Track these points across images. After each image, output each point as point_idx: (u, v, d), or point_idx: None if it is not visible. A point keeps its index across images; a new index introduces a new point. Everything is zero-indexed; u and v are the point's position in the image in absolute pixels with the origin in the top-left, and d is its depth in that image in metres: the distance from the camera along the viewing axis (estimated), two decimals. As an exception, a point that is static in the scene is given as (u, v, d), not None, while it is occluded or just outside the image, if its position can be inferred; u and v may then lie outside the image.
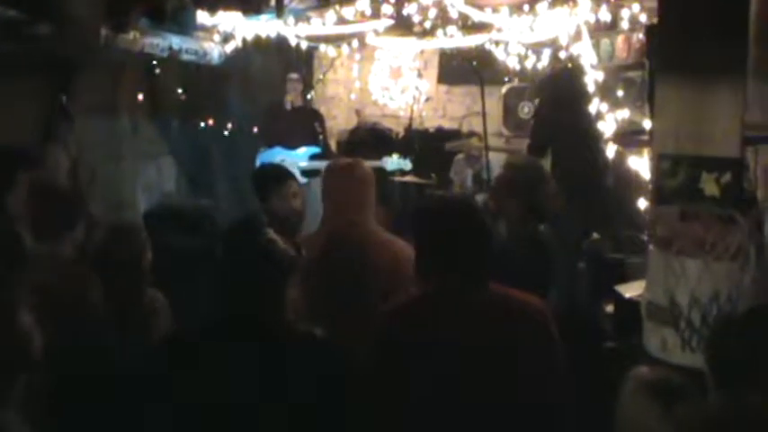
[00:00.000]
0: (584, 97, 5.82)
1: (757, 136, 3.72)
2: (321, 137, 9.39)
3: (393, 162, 9.27)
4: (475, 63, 8.51)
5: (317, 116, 9.66)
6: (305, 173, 8.91)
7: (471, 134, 9.85)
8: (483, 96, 7.98)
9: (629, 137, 5.45)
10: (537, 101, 7.47)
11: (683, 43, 3.65)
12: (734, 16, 3.58)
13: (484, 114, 8.28)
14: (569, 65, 6.61)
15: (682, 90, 3.63)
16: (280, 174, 5.74)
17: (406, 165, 9.30)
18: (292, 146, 9.13)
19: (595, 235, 5.74)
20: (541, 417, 3.03)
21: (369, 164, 9.03)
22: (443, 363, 2.99)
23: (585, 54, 5.98)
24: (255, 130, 9.36)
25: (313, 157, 9.11)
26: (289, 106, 9.37)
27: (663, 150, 3.76)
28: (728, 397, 2.62)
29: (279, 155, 8.96)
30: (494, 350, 3.00)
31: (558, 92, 6.09)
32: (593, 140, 5.74)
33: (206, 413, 3.00)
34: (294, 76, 9.46)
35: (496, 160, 9.36)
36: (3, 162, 3.96)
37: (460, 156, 9.44)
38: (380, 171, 9.18)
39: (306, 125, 9.37)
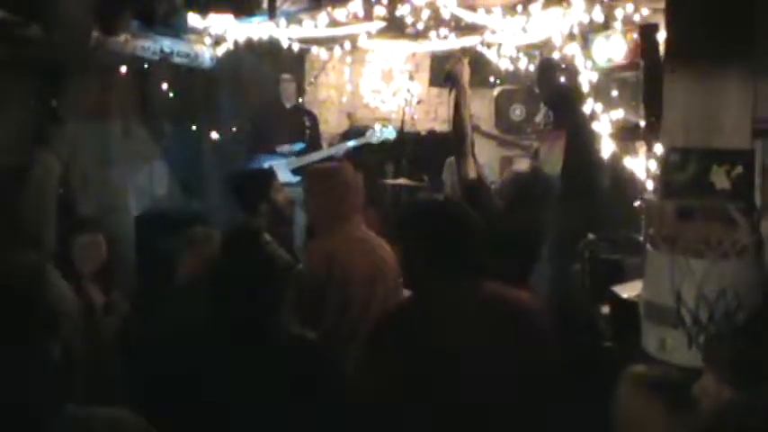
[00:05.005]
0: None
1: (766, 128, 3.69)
2: (308, 131, 9.39)
3: (377, 133, 9.29)
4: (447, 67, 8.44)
5: (308, 115, 9.68)
6: (295, 171, 8.94)
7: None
8: (449, 98, 7.88)
9: (626, 132, 5.43)
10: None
11: (691, 35, 3.64)
12: (742, 7, 3.57)
13: (455, 117, 8.12)
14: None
15: (691, 82, 3.62)
16: (268, 172, 5.91)
17: (391, 133, 9.31)
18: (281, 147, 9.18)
19: (591, 235, 5.72)
20: (533, 417, 3.01)
21: (353, 143, 9.15)
22: (434, 366, 2.98)
23: (579, 55, 5.97)
24: (246, 133, 9.35)
25: (300, 153, 9.14)
26: (289, 105, 9.42)
27: (672, 143, 3.74)
28: (738, 395, 2.61)
29: (266, 161, 8.97)
30: (485, 352, 2.99)
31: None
32: (593, 140, 5.72)
33: (203, 412, 3.01)
34: (286, 76, 9.47)
35: (489, 161, 9.38)
36: None
37: (452, 158, 9.41)
38: (370, 173, 9.17)
39: (299, 125, 9.39)
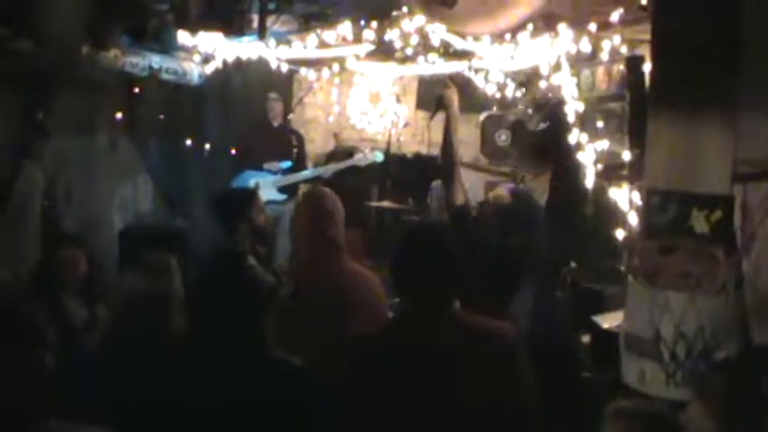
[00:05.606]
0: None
1: (747, 173, 3.73)
2: (295, 150, 9.40)
3: (365, 158, 9.32)
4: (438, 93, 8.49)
5: (294, 134, 9.70)
6: (281, 189, 8.96)
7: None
8: (430, 122, 7.90)
9: (611, 170, 5.46)
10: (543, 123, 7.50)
11: (675, 79, 3.68)
12: (726, 52, 3.61)
13: (444, 143, 8.20)
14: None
15: (673, 125, 3.65)
16: (249, 192, 5.97)
17: (378, 157, 9.33)
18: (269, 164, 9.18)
19: (573, 264, 5.74)
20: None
21: (341, 165, 9.20)
22: (404, 392, 3.00)
23: (566, 85, 6.01)
24: (234, 151, 9.36)
25: (286, 172, 9.15)
26: (276, 123, 9.44)
27: (653, 185, 3.77)
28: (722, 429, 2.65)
29: (252, 178, 8.97)
30: (457, 379, 3.02)
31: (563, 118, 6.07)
32: (578, 169, 5.75)
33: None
34: (274, 95, 9.48)
35: (473, 186, 9.40)
36: None
37: (438, 181, 9.42)
38: (355, 194, 9.19)
39: (286, 144, 9.40)
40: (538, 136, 7.34)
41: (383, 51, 7.75)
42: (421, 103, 10.70)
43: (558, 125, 6.26)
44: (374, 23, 7.01)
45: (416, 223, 6.61)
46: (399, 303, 3.31)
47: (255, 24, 7.94)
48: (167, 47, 8.06)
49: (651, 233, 3.73)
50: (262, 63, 8.11)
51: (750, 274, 3.57)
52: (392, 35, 6.98)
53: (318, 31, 7.45)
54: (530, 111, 8.57)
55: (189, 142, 8.94)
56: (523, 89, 8.12)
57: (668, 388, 3.56)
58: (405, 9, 6.79)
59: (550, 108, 6.90)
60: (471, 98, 8.94)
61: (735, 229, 3.64)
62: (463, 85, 8.32)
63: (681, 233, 3.60)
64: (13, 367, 2.36)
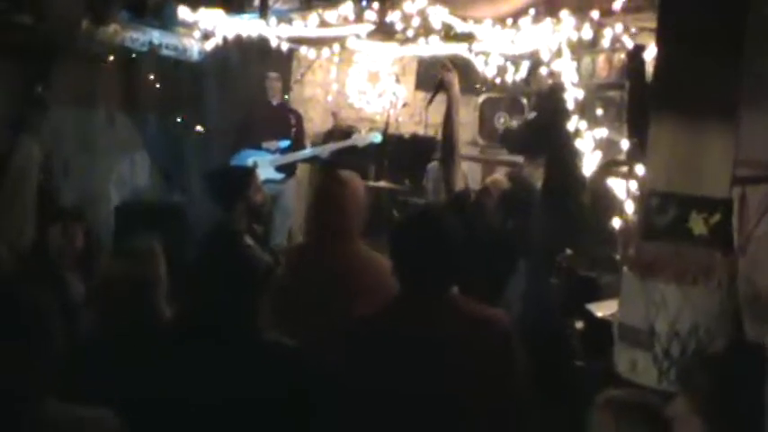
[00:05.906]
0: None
1: (746, 176, 3.73)
2: (294, 129, 9.39)
3: (364, 139, 9.33)
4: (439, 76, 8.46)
5: (293, 113, 9.68)
6: (279, 168, 8.96)
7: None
8: (428, 105, 7.85)
9: (611, 165, 5.45)
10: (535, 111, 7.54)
11: (678, 81, 3.67)
12: (728, 55, 3.61)
13: (445, 126, 8.19)
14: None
15: (675, 127, 3.64)
16: (247, 170, 5.97)
17: (376, 137, 9.33)
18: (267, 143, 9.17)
19: (569, 251, 5.74)
20: (493, 425, 3.05)
21: (339, 145, 9.22)
22: (399, 369, 3.03)
23: (566, 71, 6.00)
24: (233, 128, 9.35)
25: (285, 151, 9.14)
26: (275, 102, 9.42)
27: (653, 187, 3.76)
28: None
29: (250, 156, 8.96)
30: (449, 359, 3.04)
31: (559, 105, 6.05)
32: (575, 157, 5.74)
33: (177, 414, 3.01)
34: (273, 74, 9.46)
35: (472, 169, 9.41)
36: None
37: (435, 163, 9.43)
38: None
39: (284, 123, 9.39)
40: (528, 125, 7.36)
41: (384, 31, 7.74)
42: (420, 84, 10.68)
43: (548, 114, 6.25)
44: (376, 4, 6.99)
45: (418, 207, 6.61)
46: (399, 287, 3.32)
47: (257, 2, 7.91)
48: (167, 22, 8.04)
49: (650, 234, 3.72)
50: (262, 41, 8.09)
51: (745, 272, 3.58)
52: (393, 17, 6.96)
53: (320, 10, 7.44)
54: (524, 99, 8.60)
55: (187, 118, 8.93)
56: (525, 80, 8.11)
57: (660, 381, 3.57)
58: (407, -10, 6.77)
59: (541, 96, 6.90)
60: (470, 80, 8.95)
61: (732, 230, 3.65)
62: (462, 67, 8.33)
63: (679, 235, 3.60)
64: (19, 351, 2.37)
